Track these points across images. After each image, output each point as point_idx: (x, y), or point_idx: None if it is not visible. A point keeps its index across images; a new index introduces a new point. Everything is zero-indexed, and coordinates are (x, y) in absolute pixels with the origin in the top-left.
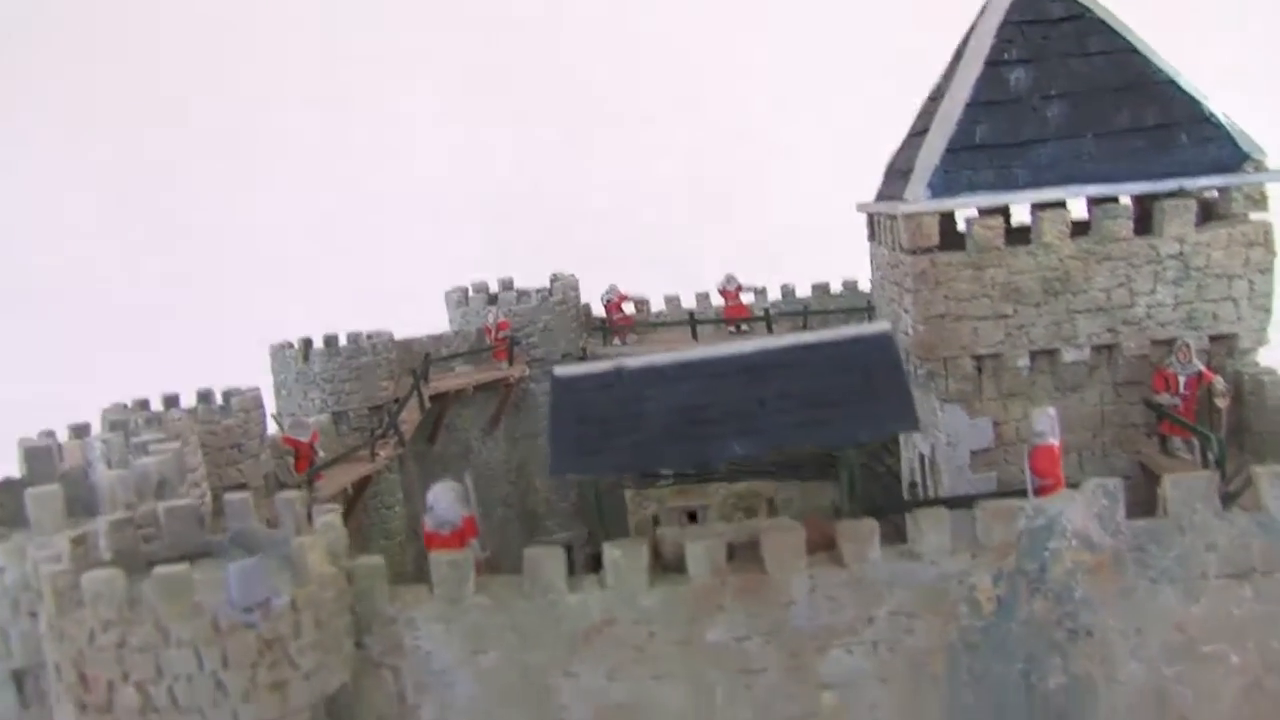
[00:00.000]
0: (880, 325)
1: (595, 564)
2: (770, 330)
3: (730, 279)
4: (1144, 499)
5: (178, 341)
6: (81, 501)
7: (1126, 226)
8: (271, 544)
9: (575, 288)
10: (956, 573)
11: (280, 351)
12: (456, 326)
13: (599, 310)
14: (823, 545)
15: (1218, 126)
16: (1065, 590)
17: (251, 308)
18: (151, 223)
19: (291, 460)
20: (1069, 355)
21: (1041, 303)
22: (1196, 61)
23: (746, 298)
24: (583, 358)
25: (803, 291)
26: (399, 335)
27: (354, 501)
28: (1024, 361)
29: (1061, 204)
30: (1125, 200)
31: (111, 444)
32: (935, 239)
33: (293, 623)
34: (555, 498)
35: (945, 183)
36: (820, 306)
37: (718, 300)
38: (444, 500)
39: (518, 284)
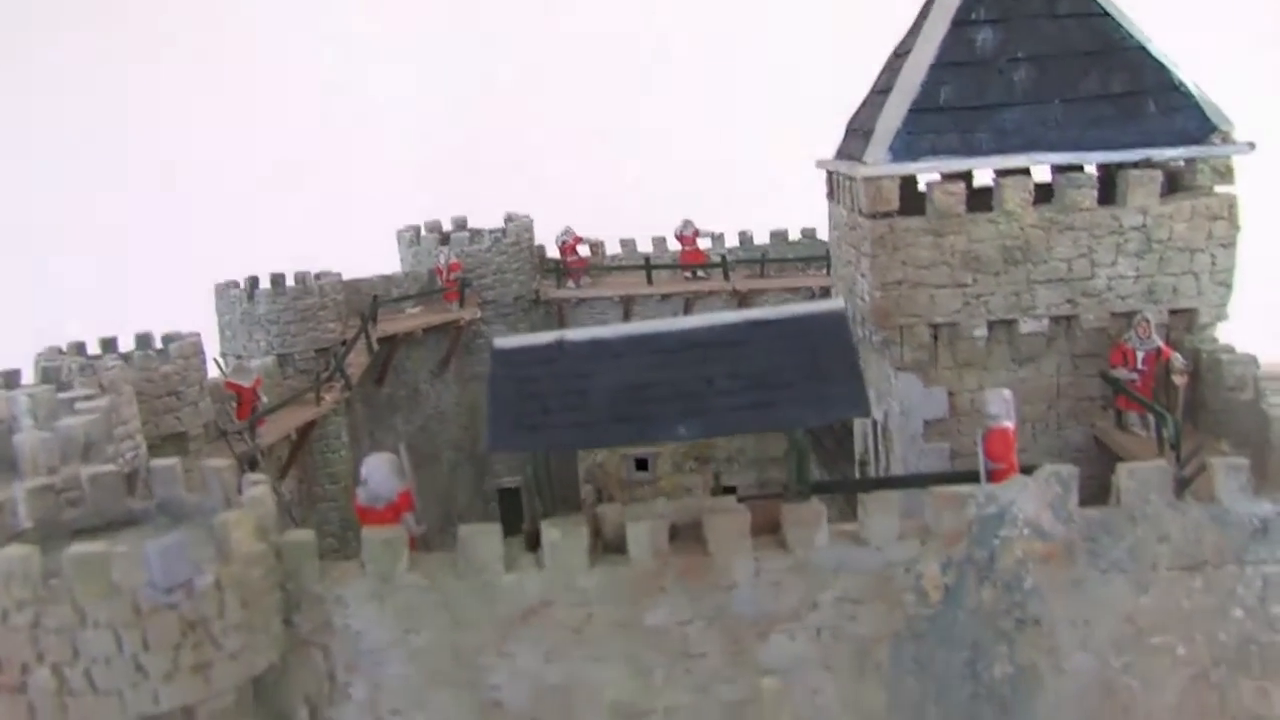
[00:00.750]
0: (833, 303)
1: (534, 541)
2: (726, 277)
3: (687, 224)
4: (1098, 473)
5: (124, 281)
6: (7, 460)
7: (1090, 196)
8: (199, 512)
9: (529, 229)
10: (904, 560)
11: (225, 291)
12: (408, 267)
13: (555, 253)
14: (768, 528)
15: (1187, 96)
16: (1015, 579)
17: (203, 246)
18: (99, 159)
19: (234, 406)
20: (1027, 326)
21: (1001, 272)
22: (1169, 27)
23: (704, 243)
24: (536, 300)
25: (761, 239)
26: (351, 276)
27: (298, 446)
28: (981, 331)
29: (1025, 171)
30: (1090, 169)
31: (39, 399)
32: (895, 203)
33: (217, 602)
34: None
35: (907, 145)
36: (778, 254)
37: (674, 245)
38: (378, 473)
39: (472, 224)
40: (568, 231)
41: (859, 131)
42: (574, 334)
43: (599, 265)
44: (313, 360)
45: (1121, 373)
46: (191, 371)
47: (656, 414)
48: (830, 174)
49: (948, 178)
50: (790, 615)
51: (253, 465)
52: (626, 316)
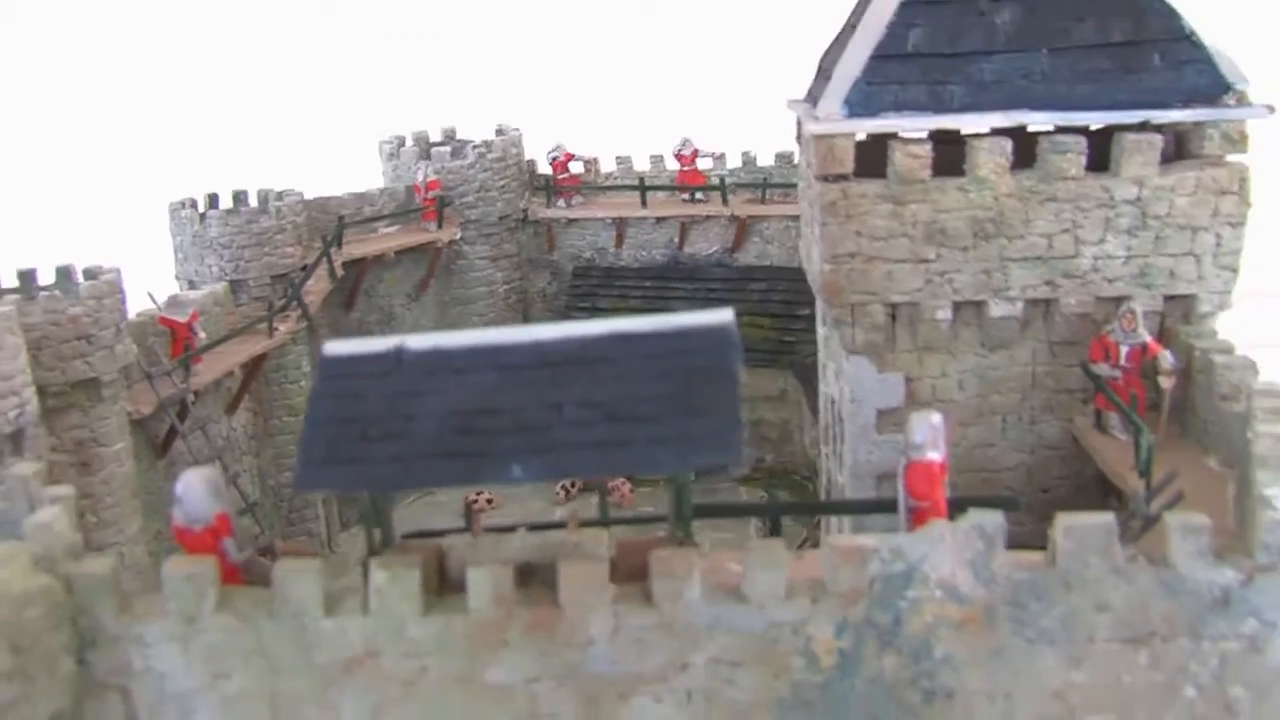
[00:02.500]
0: (720, 315)
1: None
2: (725, 201)
3: (686, 142)
4: (1073, 473)
5: (88, 201)
6: None
7: (1077, 163)
8: (7, 524)
9: (518, 144)
10: (792, 621)
11: (177, 211)
12: (389, 180)
13: (546, 169)
14: (640, 572)
15: (1198, 47)
16: (923, 646)
17: (183, 163)
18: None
19: (168, 343)
20: (998, 309)
21: (970, 247)
22: None
23: (704, 163)
24: (523, 220)
25: (765, 161)
26: (334, 191)
27: (248, 380)
28: (945, 314)
29: (1004, 132)
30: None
31: None
32: (849, 165)
33: None
34: None
35: (865, 98)
36: (782, 178)
37: (673, 164)
38: (194, 493)
39: (462, 135)
40: (559, 148)
41: (824, 73)
42: (416, 340)
43: (591, 184)
44: (268, 287)
45: (1102, 369)
46: (105, 312)
47: (490, 449)
48: (799, 119)
49: (911, 138)
50: (656, 676)
51: (181, 411)
52: (619, 240)
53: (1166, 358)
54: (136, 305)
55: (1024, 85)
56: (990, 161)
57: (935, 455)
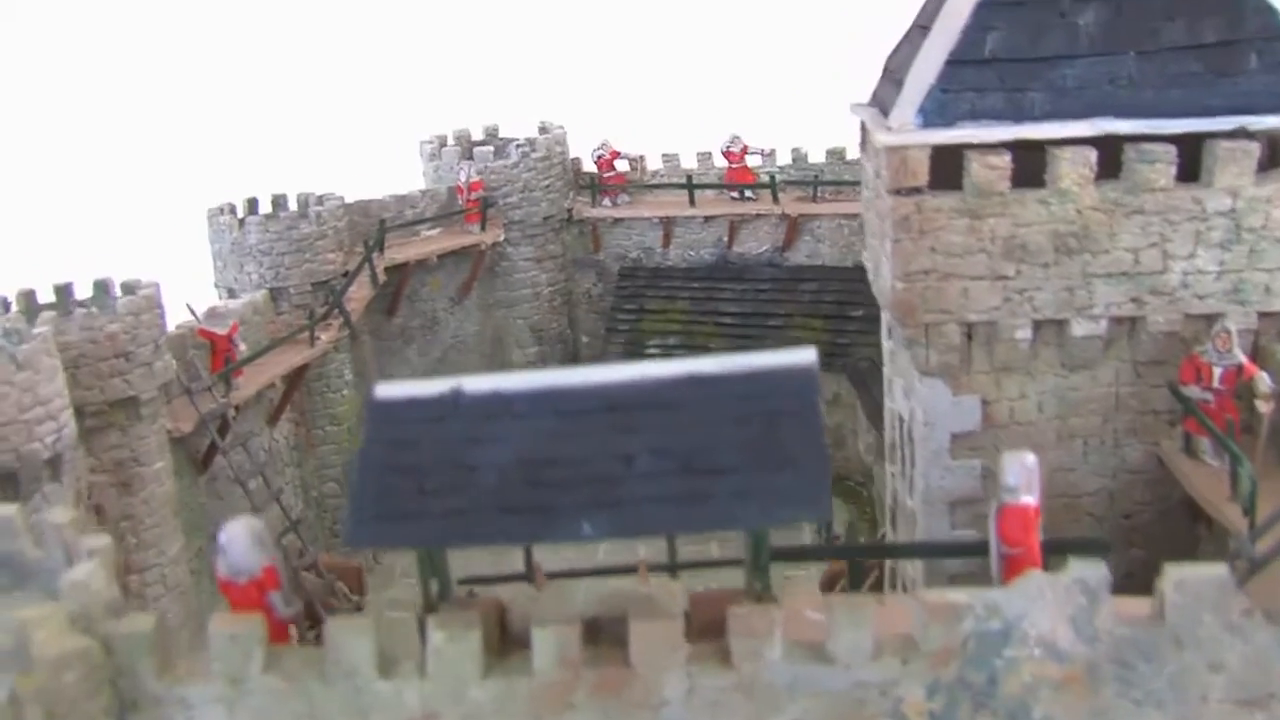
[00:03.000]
0: (803, 355)
1: None
2: (775, 199)
3: (735, 139)
4: (1159, 498)
5: (125, 210)
6: None
7: (1167, 173)
8: (43, 571)
9: (562, 142)
10: (879, 682)
11: (216, 218)
12: (430, 181)
13: (591, 168)
14: (716, 628)
15: None
16: (1021, 708)
17: (223, 169)
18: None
19: (207, 356)
20: (1081, 328)
21: (1051, 263)
22: None
23: (753, 161)
24: (568, 219)
25: (816, 157)
26: (362, 198)
27: (290, 391)
28: (1025, 333)
29: (1086, 141)
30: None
31: None
32: (923, 178)
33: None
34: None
35: (940, 107)
36: (834, 175)
37: (721, 162)
38: (239, 543)
39: (504, 134)
40: (604, 145)
41: (892, 77)
42: (473, 383)
43: (638, 183)
44: (309, 294)
45: (1193, 391)
46: (143, 328)
47: (557, 503)
48: (863, 124)
49: (989, 147)
50: None
51: (222, 426)
52: (666, 240)
53: (1264, 380)
54: (175, 317)
55: (1109, 91)
56: (1073, 172)
57: (1029, 499)
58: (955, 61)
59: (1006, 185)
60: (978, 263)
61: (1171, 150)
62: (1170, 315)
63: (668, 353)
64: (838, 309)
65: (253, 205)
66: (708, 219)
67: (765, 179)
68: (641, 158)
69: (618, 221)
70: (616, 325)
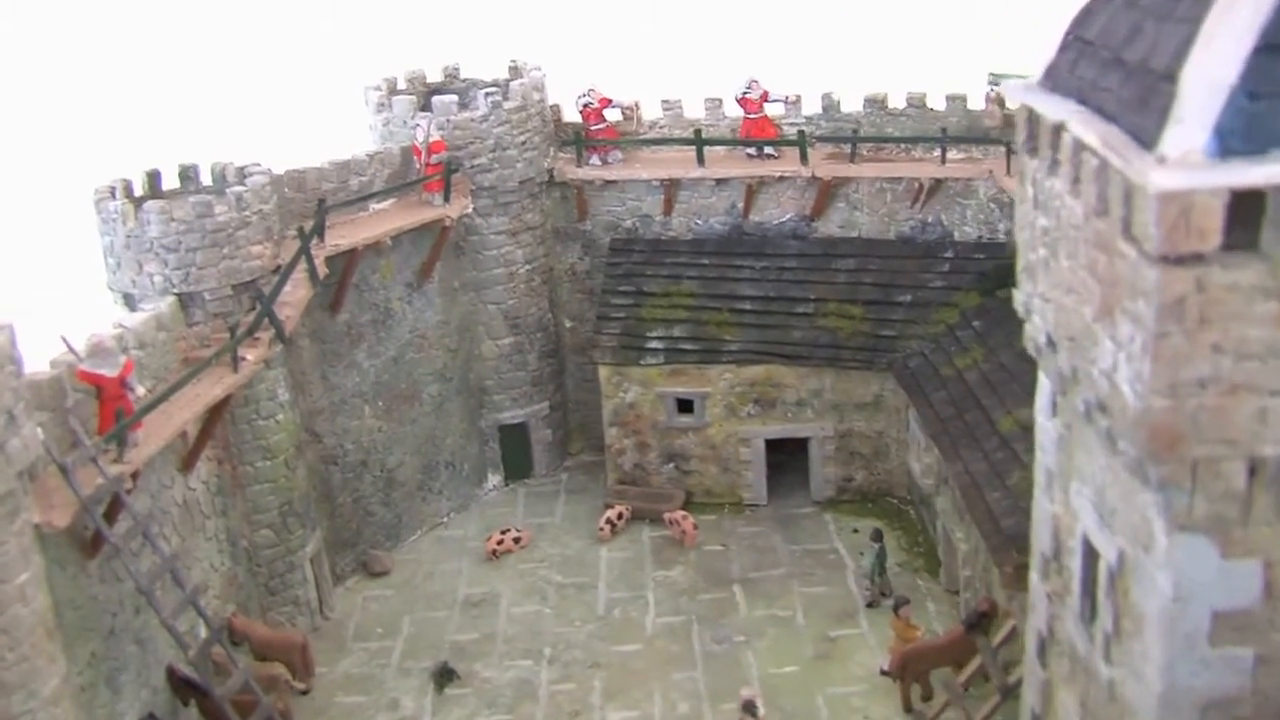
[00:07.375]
0: None
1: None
2: (804, 158)
3: (752, 84)
4: None
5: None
6: None
7: None
8: None
9: (540, 87)
10: None
11: (104, 202)
12: (379, 140)
13: (575, 118)
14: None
15: None
16: None
17: (97, 138)
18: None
19: (92, 404)
20: None
21: None
22: None
23: (774, 110)
24: (549, 182)
25: (851, 106)
26: (311, 161)
27: (206, 433)
28: None
29: None
30: None
31: None
32: (1214, 239)
33: None
34: (507, 367)
35: (1249, 123)
36: (875, 130)
37: (735, 112)
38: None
39: (466, 75)
40: (591, 91)
41: (1116, 59)
42: None
43: (633, 137)
44: (230, 300)
45: None
46: None
47: None
48: (1032, 114)
49: None
50: None
51: (113, 505)
52: (668, 207)
53: None
54: (45, 353)
55: None
56: None
57: None
58: (1267, 48)
59: None
60: None
61: None
62: None
63: (673, 347)
64: (881, 292)
65: (153, 182)
66: (719, 181)
67: (790, 133)
68: (636, 105)
69: (608, 184)
70: (609, 313)
